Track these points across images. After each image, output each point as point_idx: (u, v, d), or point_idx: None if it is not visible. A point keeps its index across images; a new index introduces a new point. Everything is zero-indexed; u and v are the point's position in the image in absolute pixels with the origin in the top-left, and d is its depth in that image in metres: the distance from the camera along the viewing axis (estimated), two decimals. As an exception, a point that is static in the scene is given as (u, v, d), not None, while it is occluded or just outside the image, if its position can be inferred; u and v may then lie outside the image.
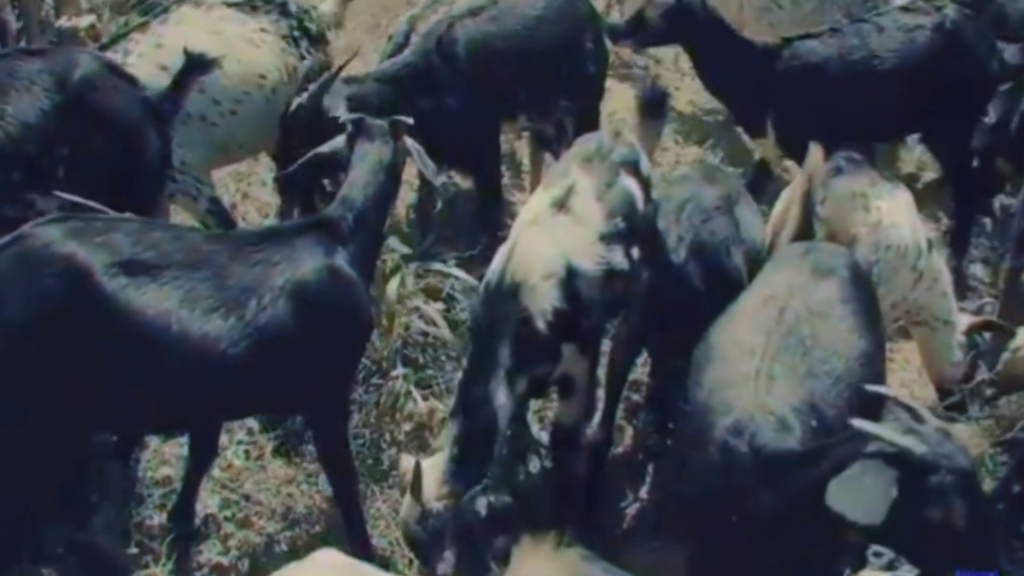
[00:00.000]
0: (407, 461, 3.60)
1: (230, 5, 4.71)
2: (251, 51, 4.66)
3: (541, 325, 3.68)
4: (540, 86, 5.03)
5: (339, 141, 3.92)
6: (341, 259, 3.58)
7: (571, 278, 3.75)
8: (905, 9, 5.21)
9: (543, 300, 3.68)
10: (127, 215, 3.64)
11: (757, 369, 3.20)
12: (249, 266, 3.43)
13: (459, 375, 4.46)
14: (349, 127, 3.89)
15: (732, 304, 3.56)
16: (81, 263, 3.20)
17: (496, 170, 5.22)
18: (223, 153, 4.79)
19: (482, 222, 5.17)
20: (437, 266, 4.70)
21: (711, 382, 3.30)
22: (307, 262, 3.51)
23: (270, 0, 4.76)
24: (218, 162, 4.91)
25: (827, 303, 3.45)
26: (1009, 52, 5.21)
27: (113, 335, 3.23)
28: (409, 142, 3.93)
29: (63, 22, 5.91)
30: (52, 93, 3.97)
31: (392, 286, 4.43)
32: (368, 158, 3.79)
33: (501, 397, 3.63)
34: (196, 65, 4.14)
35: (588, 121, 5.11)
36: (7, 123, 3.92)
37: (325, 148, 3.96)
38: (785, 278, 3.51)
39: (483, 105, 4.89)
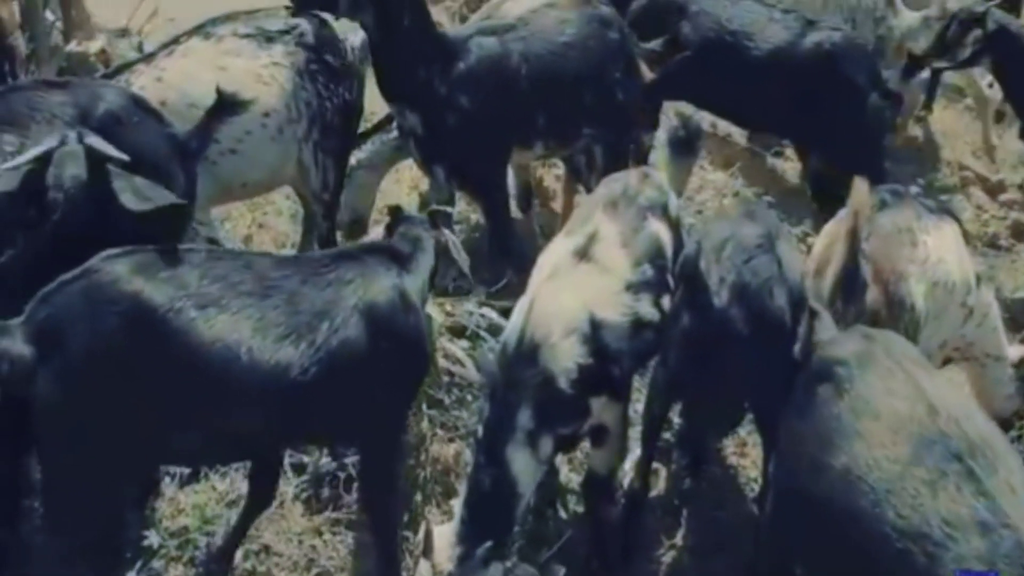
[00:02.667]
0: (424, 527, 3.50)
1: (243, 36, 4.45)
2: (257, 88, 4.37)
3: (565, 384, 3.52)
4: (561, 113, 4.80)
5: (378, 232, 3.87)
6: (408, 284, 3.56)
7: (596, 331, 3.58)
8: (809, 20, 5.13)
9: (566, 359, 3.52)
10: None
11: (989, 509, 2.65)
12: (321, 288, 3.40)
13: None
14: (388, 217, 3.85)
15: (836, 425, 3.03)
16: (147, 300, 3.15)
17: (503, 196, 4.98)
18: (224, 192, 4.55)
19: (493, 252, 4.99)
20: (466, 306, 4.52)
21: (900, 529, 2.73)
22: (380, 280, 3.49)
23: (287, 30, 4.49)
24: (219, 200, 4.68)
25: (962, 403, 3.08)
26: (892, 80, 5.19)
27: (181, 370, 3.18)
28: (446, 233, 3.85)
29: (73, 47, 5.78)
30: (74, 127, 3.73)
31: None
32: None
33: (520, 462, 3.48)
34: (227, 104, 3.93)
35: (618, 152, 4.91)
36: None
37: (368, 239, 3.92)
38: (909, 384, 3.03)
39: (493, 126, 4.69)
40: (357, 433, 3.63)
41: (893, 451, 2.89)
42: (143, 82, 4.32)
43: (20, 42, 5.74)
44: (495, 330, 4.62)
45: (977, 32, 5.32)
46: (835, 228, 3.86)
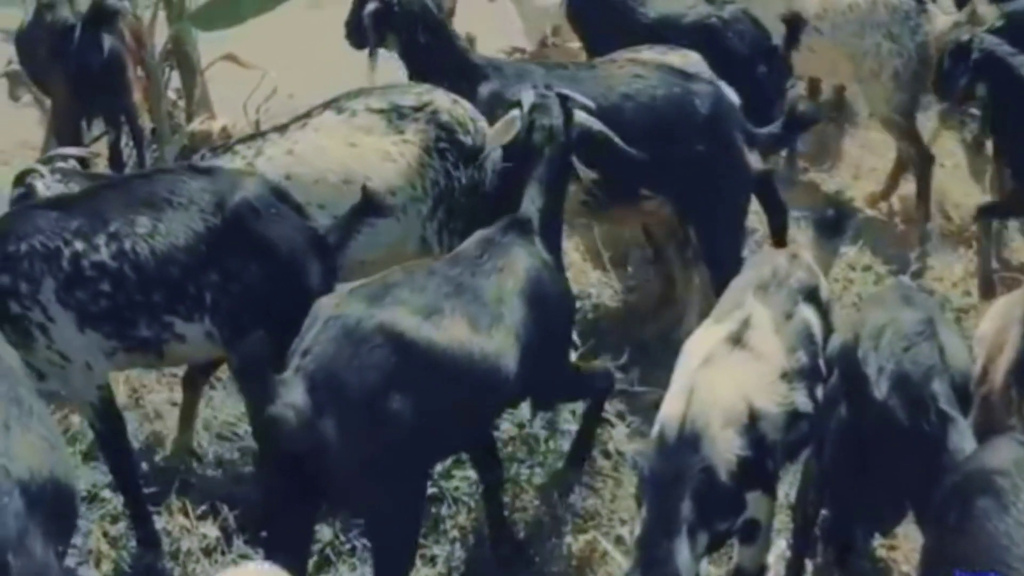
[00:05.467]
0: None
1: (375, 112, 4.26)
2: (384, 166, 4.17)
3: (724, 477, 3.25)
4: (599, 162, 4.35)
5: (513, 117, 3.89)
6: (541, 250, 3.74)
7: (754, 422, 3.32)
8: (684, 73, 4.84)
9: (726, 450, 3.25)
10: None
11: None
12: (487, 277, 3.56)
13: (616, 504, 4.12)
14: (519, 100, 3.93)
15: (1007, 543, 2.73)
16: (393, 327, 3.27)
17: None
18: (343, 271, 4.27)
19: None
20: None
21: None
22: (522, 260, 3.66)
23: (420, 107, 4.29)
24: (340, 280, 4.50)
25: None
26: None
27: (437, 377, 3.31)
28: (581, 115, 3.93)
29: (196, 125, 5.74)
30: (208, 214, 3.65)
31: None
32: (545, 150, 3.86)
33: (683, 555, 3.19)
34: (371, 206, 3.80)
35: (715, 231, 4.65)
36: (155, 241, 3.63)
37: (500, 135, 3.94)
38: None
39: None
40: (540, 389, 3.83)
41: None
42: (273, 152, 4.16)
43: (146, 124, 5.75)
44: (621, 415, 4.43)
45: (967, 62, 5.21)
46: (1006, 309, 3.53)
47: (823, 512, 3.98)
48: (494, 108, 4.41)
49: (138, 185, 3.79)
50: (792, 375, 3.44)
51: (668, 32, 5.14)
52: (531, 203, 3.79)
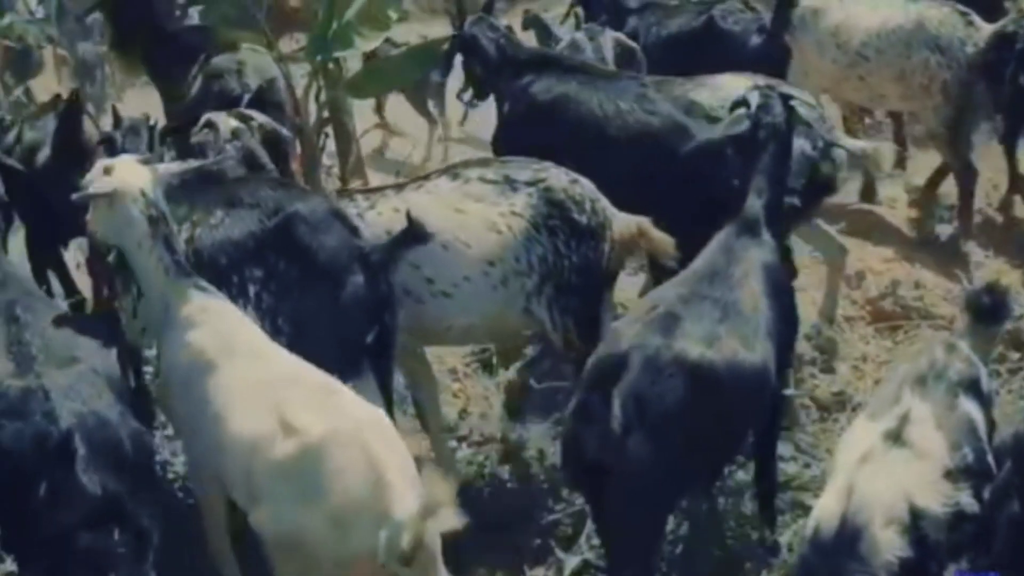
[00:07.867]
0: None
1: (488, 182, 4.22)
2: (487, 235, 4.13)
3: None
4: (597, 171, 4.39)
5: (740, 115, 4.04)
6: (770, 242, 3.89)
7: (915, 522, 3.11)
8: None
9: (887, 552, 3.06)
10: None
11: None
12: (740, 287, 3.73)
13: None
14: (748, 99, 4.07)
15: None
16: (687, 356, 3.49)
17: None
18: (426, 334, 4.28)
19: None
20: None
21: None
22: (757, 257, 3.83)
23: (534, 182, 4.22)
24: (422, 341, 4.39)
25: None
26: None
27: (726, 397, 3.53)
28: (803, 111, 4.12)
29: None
30: (264, 216, 3.92)
31: None
32: (769, 146, 3.99)
33: None
34: (414, 234, 3.86)
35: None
36: (216, 231, 3.92)
37: (728, 126, 4.09)
38: None
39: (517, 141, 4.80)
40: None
41: None
42: (383, 208, 4.24)
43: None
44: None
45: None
46: None
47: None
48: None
49: (235, 184, 4.10)
50: (956, 473, 3.23)
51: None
52: (757, 196, 3.90)
